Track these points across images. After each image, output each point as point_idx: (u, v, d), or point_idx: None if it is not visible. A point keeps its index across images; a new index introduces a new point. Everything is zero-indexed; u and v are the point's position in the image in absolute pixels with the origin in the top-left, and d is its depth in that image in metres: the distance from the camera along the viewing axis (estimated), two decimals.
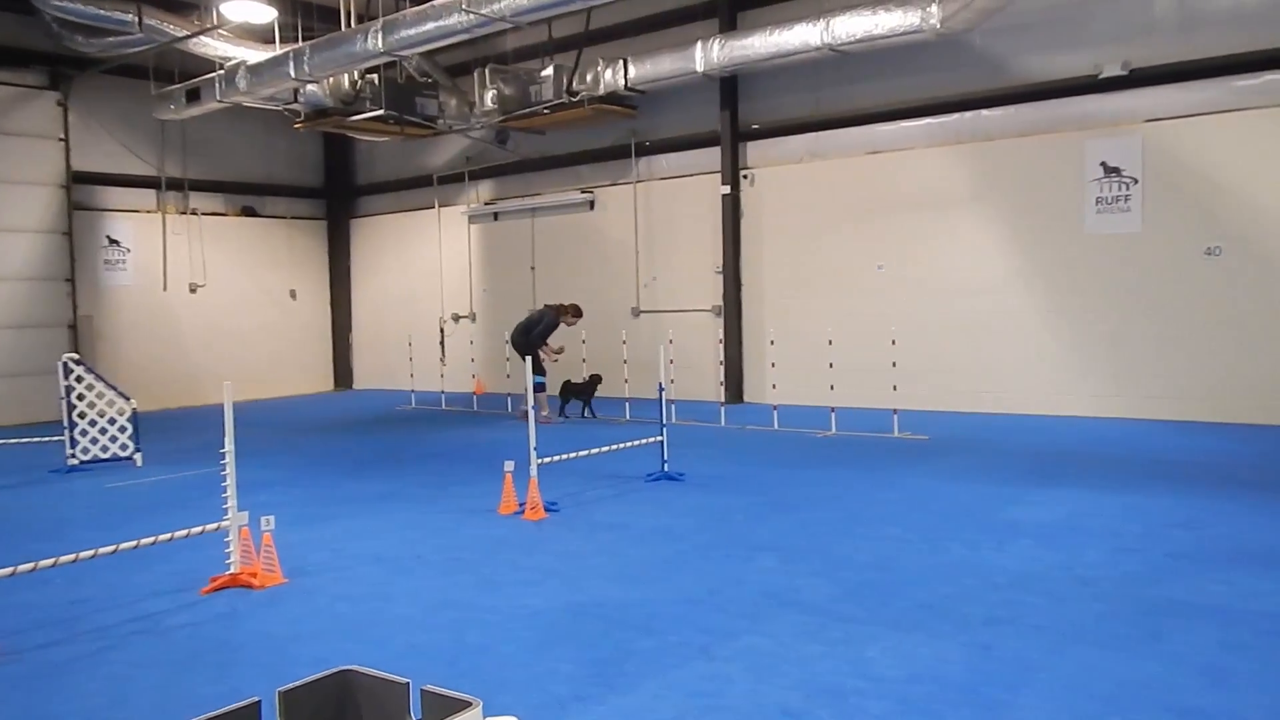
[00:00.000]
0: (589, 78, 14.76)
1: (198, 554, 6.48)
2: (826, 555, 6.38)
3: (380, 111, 15.40)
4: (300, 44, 13.77)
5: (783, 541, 6.80)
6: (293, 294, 20.29)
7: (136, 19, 13.56)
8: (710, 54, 13.63)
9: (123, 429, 10.88)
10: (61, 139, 16.13)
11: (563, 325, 14.18)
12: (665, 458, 9.26)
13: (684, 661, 4.58)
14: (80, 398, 10.66)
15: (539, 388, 12.87)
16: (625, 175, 16.67)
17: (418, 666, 4.54)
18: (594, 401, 14.16)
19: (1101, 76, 12.05)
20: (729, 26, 14.62)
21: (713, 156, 15.41)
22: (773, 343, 13.12)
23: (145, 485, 9.79)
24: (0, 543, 7.35)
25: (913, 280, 13.67)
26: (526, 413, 8.25)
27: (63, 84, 16.17)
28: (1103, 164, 12.14)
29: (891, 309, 13.45)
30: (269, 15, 13.59)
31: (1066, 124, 12.45)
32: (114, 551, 5.73)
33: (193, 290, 18.48)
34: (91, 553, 5.60)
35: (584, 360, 14.26)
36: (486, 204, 18.77)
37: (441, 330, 18.96)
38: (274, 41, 14.49)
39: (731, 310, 15.27)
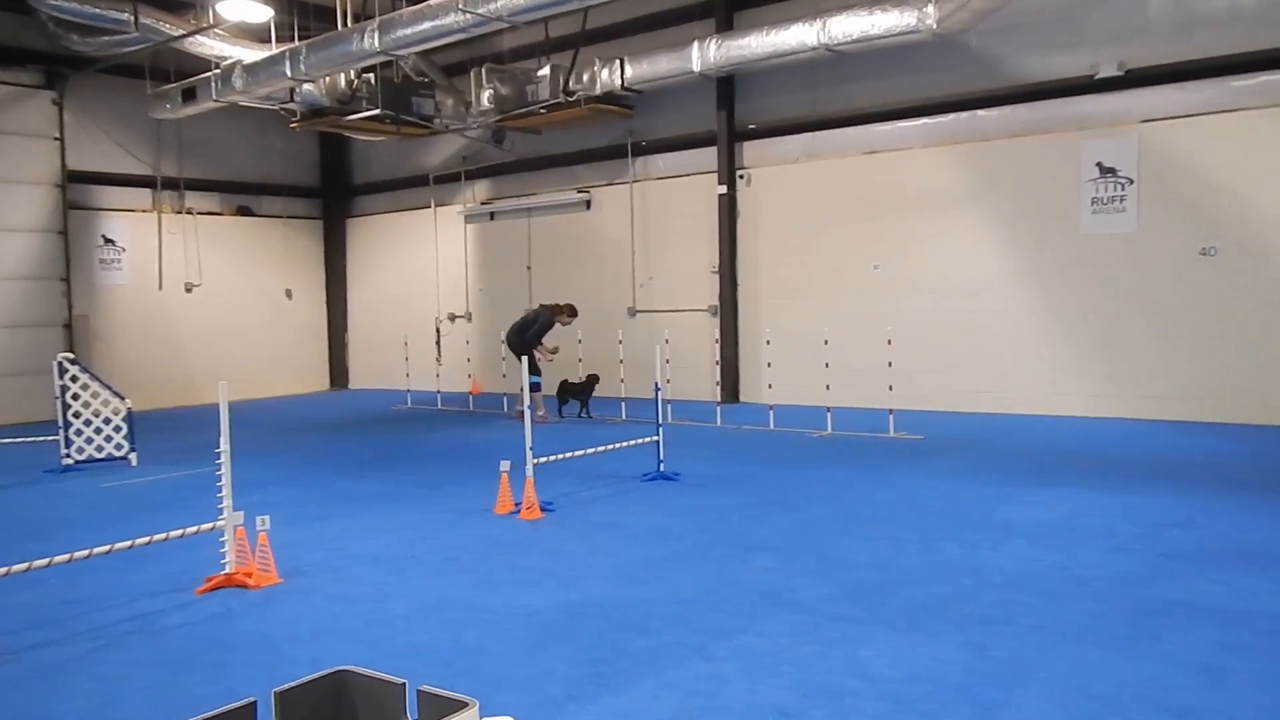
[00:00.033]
0: (585, 77, 14.76)
1: (193, 554, 6.47)
2: (822, 555, 6.38)
3: (376, 111, 15.39)
4: (296, 43, 13.77)
5: (779, 541, 6.80)
6: (288, 294, 20.26)
7: (132, 18, 13.54)
8: (707, 54, 13.64)
9: (118, 429, 10.86)
10: (57, 138, 16.10)
11: (558, 325, 14.18)
12: (661, 457, 9.25)
13: (680, 661, 4.58)
14: (75, 397, 10.64)
15: (534, 388, 12.86)
16: (622, 175, 16.67)
17: (413, 666, 4.54)
18: (591, 401, 14.16)
19: (1097, 77, 12.07)
20: (725, 26, 14.63)
21: (709, 156, 15.41)
22: (769, 343, 13.12)
23: (140, 485, 9.77)
24: None
25: (909, 280, 13.68)
26: (522, 412, 8.25)
27: (58, 83, 16.14)
28: (1098, 164, 12.15)
29: (887, 309, 13.46)
30: (265, 14, 13.58)
31: (1062, 124, 12.47)
32: (109, 551, 5.72)
33: (188, 290, 18.45)
34: (86, 553, 5.59)
35: (580, 360, 14.26)
36: (483, 204, 18.76)
37: (437, 330, 18.95)
38: (270, 41, 14.48)
39: (728, 310, 15.28)
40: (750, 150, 15.27)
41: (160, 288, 18.02)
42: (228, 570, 6.01)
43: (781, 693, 4.18)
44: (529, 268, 18.05)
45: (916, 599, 5.41)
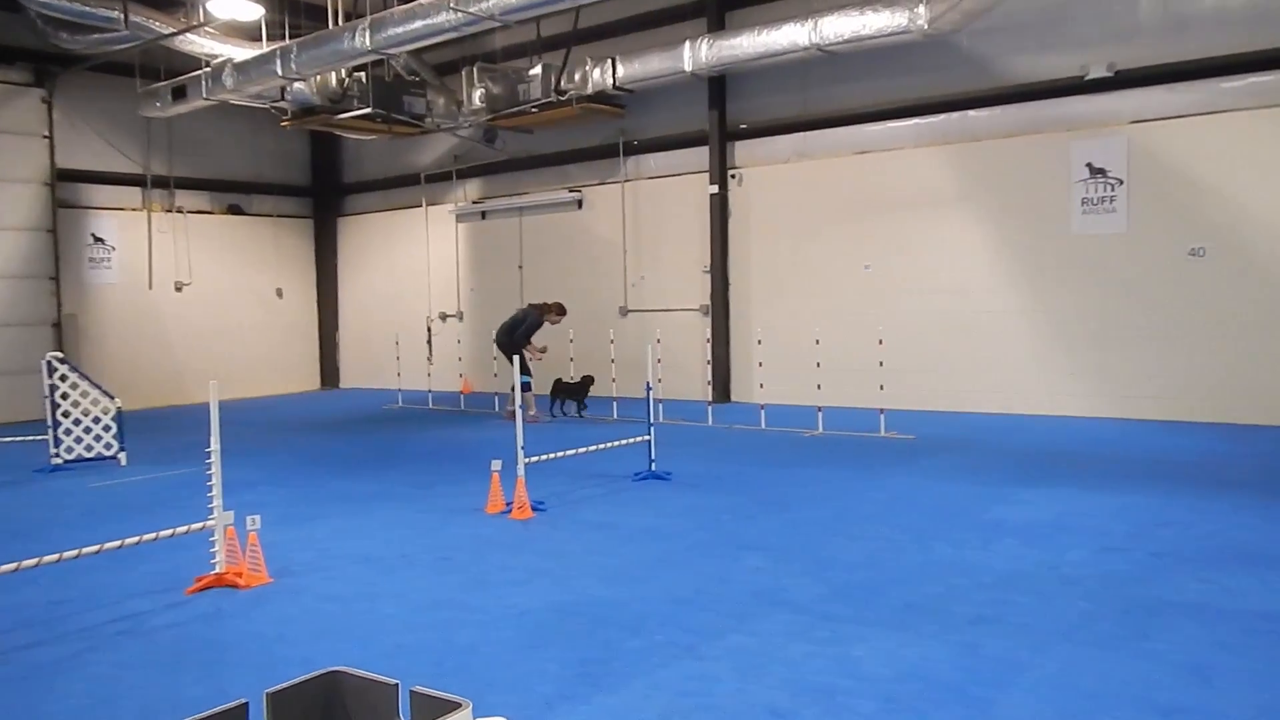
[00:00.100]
0: (577, 77, 14.75)
1: (183, 554, 6.45)
2: (814, 554, 6.40)
3: (368, 110, 15.36)
4: (287, 42, 13.73)
5: (770, 541, 6.81)
6: (279, 293, 20.21)
7: (122, 16, 13.48)
8: (699, 53, 13.65)
9: (107, 428, 10.82)
10: (46, 136, 16.03)
11: (546, 324, 14.17)
12: (653, 457, 9.26)
13: (671, 661, 4.58)
14: (64, 396, 10.59)
15: (525, 387, 12.85)
16: (613, 174, 16.66)
17: (405, 666, 4.54)
18: (585, 401, 14.14)
19: (1087, 78, 12.11)
20: (717, 26, 14.64)
21: (701, 156, 15.41)
22: (760, 342, 13.13)
23: (129, 485, 9.74)
24: None
25: (900, 280, 13.71)
26: (514, 412, 8.25)
27: (48, 81, 16.07)
28: (1088, 165, 12.20)
29: (878, 309, 13.48)
30: (256, 12, 13.53)
31: (1053, 125, 12.51)
32: (98, 551, 5.70)
33: (178, 289, 18.39)
34: (75, 553, 5.57)
35: (571, 360, 14.25)
36: (474, 203, 18.73)
37: (429, 329, 18.92)
38: (261, 39, 14.43)
39: (719, 310, 15.29)
40: (742, 150, 15.28)
41: (150, 286, 17.96)
42: (218, 570, 6.00)
43: (773, 692, 4.19)
44: (521, 267, 18.04)
45: (907, 598, 5.42)
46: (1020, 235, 12.80)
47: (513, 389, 8.49)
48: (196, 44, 14.77)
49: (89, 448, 10.72)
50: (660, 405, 12.29)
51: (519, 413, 8.17)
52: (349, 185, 20.97)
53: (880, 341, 11.63)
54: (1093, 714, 3.90)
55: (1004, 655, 4.54)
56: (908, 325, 13.30)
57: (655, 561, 6.36)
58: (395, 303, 19.85)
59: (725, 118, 15.21)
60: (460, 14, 11.24)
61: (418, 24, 11.81)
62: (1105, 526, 6.92)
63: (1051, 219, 12.52)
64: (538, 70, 14.97)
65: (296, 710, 2.85)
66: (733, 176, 15.30)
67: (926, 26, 11.54)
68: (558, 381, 14.19)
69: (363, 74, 15.24)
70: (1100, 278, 12.21)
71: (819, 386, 11.82)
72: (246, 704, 2.75)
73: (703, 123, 15.31)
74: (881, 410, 11.53)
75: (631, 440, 9.36)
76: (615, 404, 13.72)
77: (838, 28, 12.28)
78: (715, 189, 15.20)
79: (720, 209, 15.22)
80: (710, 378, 15.15)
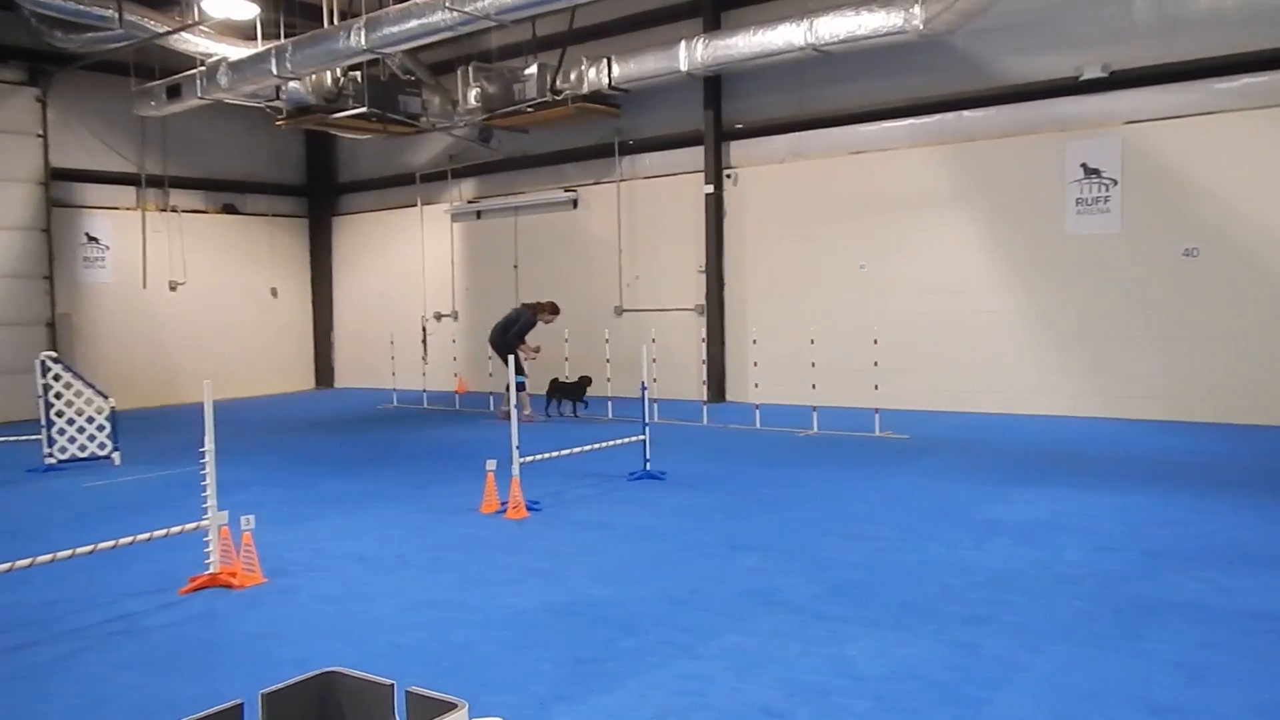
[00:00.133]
0: (573, 76, 14.75)
1: (177, 554, 6.44)
2: (808, 554, 6.40)
3: (363, 109, 15.34)
4: (282, 41, 13.72)
5: (764, 540, 6.82)
6: (274, 292, 20.18)
7: (117, 15, 13.44)
8: (694, 53, 13.65)
9: (101, 428, 10.79)
10: (40, 135, 15.99)
11: (540, 323, 14.15)
12: (648, 457, 9.26)
13: (666, 660, 4.58)
14: (58, 396, 10.57)
15: (520, 387, 12.85)
16: (609, 174, 16.66)
17: (399, 666, 4.53)
18: (579, 402, 14.13)
19: (1082, 78, 12.13)
20: (713, 26, 14.64)
21: (696, 156, 15.42)
22: (755, 342, 13.14)
23: (124, 484, 9.72)
24: None
25: (895, 280, 13.73)
26: (508, 412, 8.24)
27: (42, 80, 16.03)
28: (1083, 165, 12.22)
29: (873, 308, 13.50)
30: (251, 11, 13.53)
31: (1047, 125, 12.53)
32: (92, 551, 5.68)
33: (173, 288, 18.36)
34: (69, 553, 5.56)
35: (566, 359, 14.25)
36: (469, 202, 18.72)
37: (424, 329, 18.90)
38: (256, 38, 14.41)
39: (714, 309, 15.29)
40: (737, 150, 15.29)
41: (144, 286, 17.92)
42: (212, 570, 5.99)
43: (768, 691, 4.19)
44: (516, 267, 18.03)
45: (902, 598, 5.43)
46: (1015, 235, 12.82)
47: (507, 389, 8.49)
48: (191, 43, 14.74)
49: (83, 447, 10.70)
50: (655, 405, 12.29)
51: (514, 412, 8.17)
52: (344, 185, 20.94)
53: (875, 341, 11.64)
54: (1087, 713, 3.91)
55: (999, 655, 4.54)
56: (902, 325, 13.32)
57: (650, 561, 6.36)
58: (390, 302, 19.84)
59: (721, 117, 15.22)
60: (456, 13, 11.23)
61: (413, 23, 11.80)
62: (1100, 526, 6.94)
63: (1046, 219, 12.55)
64: (533, 70, 14.96)
65: (292, 711, 2.84)
66: (728, 176, 15.30)
67: (922, 27, 11.56)
68: (554, 381, 14.18)
69: (358, 73, 15.22)
70: (1094, 278, 12.23)
71: (814, 386, 11.83)
72: (241, 705, 2.75)
73: (698, 122, 15.32)
74: (876, 410, 11.54)
75: (626, 440, 9.36)
76: (610, 403, 13.72)
77: (833, 28, 12.29)
78: (710, 189, 15.21)
79: (715, 209, 15.23)
80: (705, 377, 15.15)
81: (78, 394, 10.69)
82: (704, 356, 15.11)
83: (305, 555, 6.68)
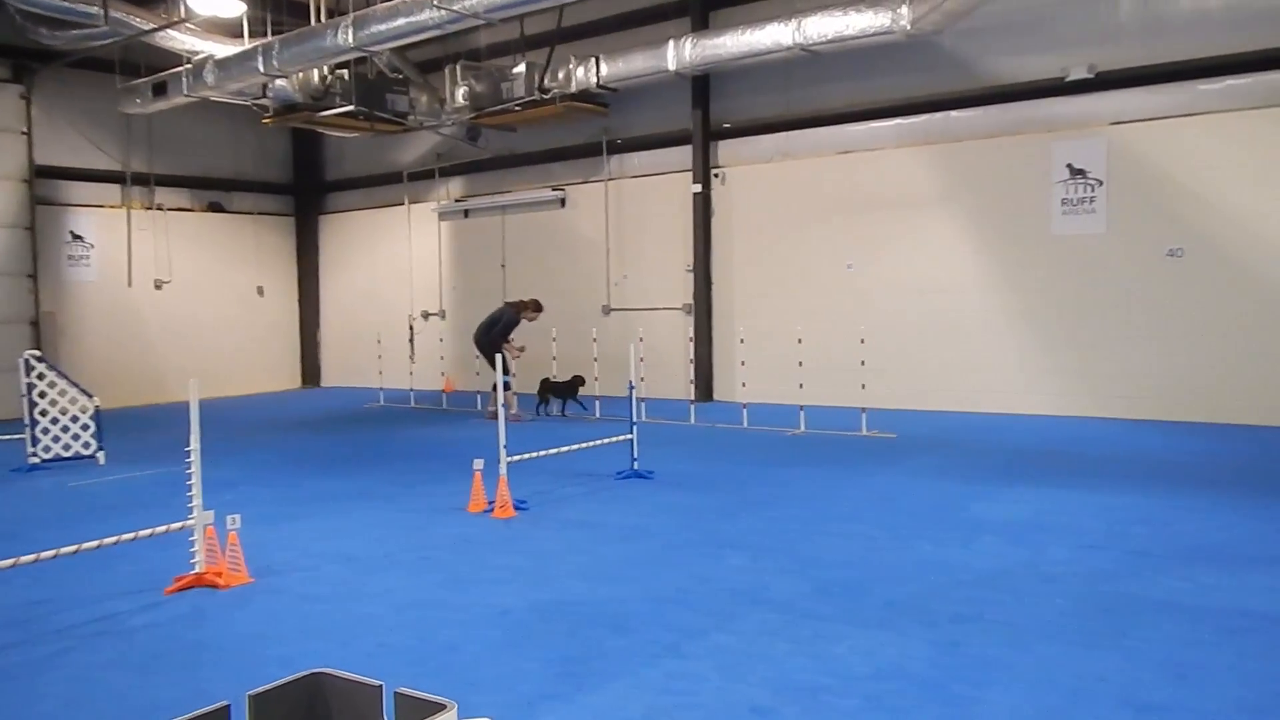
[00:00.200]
0: (561, 75, 14.74)
1: (162, 554, 6.41)
2: (795, 553, 6.42)
3: (350, 107, 15.30)
4: (269, 38, 13.67)
5: (752, 539, 6.83)
6: (260, 291, 20.10)
7: (102, 12, 13.36)
8: (682, 53, 13.65)
9: (85, 427, 10.73)
10: (24, 132, 15.87)
11: (524, 321, 14.13)
12: (635, 456, 9.26)
13: (653, 660, 4.59)
14: (42, 395, 10.50)
15: (506, 386, 12.84)
16: (597, 173, 16.66)
17: (386, 666, 4.53)
18: (570, 402, 14.09)
19: (1068, 79, 12.19)
20: (701, 25, 14.65)
21: (684, 155, 15.43)
22: (743, 341, 13.16)
23: (108, 484, 9.67)
24: None
25: (882, 279, 13.77)
26: (495, 411, 8.23)
27: (26, 77, 15.91)
28: (1069, 165, 12.28)
29: (860, 308, 13.54)
30: (238, 9, 13.46)
31: (1033, 126, 12.59)
32: (75, 551, 5.65)
33: (158, 286, 18.26)
34: (53, 553, 5.52)
35: (554, 359, 14.24)
36: (457, 201, 18.68)
37: (411, 328, 18.86)
38: (243, 36, 14.35)
39: (702, 309, 15.31)
40: (725, 149, 15.31)
41: (129, 284, 17.83)
42: (197, 570, 5.96)
43: (755, 690, 4.20)
44: (503, 266, 18.01)
45: (888, 597, 5.45)
46: (1001, 235, 12.87)
47: (494, 388, 8.48)
48: (177, 40, 14.66)
49: (67, 446, 10.63)
50: (643, 404, 12.30)
51: (501, 411, 8.16)
52: (331, 183, 20.87)
53: (862, 341, 11.67)
54: (1073, 711, 3.93)
55: (985, 653, 4.57)
56: (889, 325, 13.35)
57: (638, 560, 6.37)
58: (377, 301, 19.78)
59: (709, 117, 15.23)
60: (443, 11, 11.21)
61: (401, 21, 11.77)
62: (1084, 525, 6.97)
63: (1032, 219, 12.60)
64: (521, 68, 14.95)
65: (279, 712, 2.83)
66: (716, 176, 15.32)
67: (909, 27, 11.59)
68: (544, 380, 14.15)
69: (345, 71, 15.18)
70: (1080, 278, 12.30)
71: (801, 385, 11.86)
72: (228, 706, 2.74)
73: (686, 122, 15.32)
74: (863, 409, 11.57)
75: (614, 439, 9.36)
76: (598, 403, 13.72)
77: (821, 28, 12.32)
78: (698, 188, 15.22)
79: (703, 208, 15.24)
80: (693, 376, 15.17)
81: (62, 393, 10.63)
82: (691, 356, 15.13)
83: (291, 555, 6.66)
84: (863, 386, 11.53)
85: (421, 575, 6.14)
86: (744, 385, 12.74)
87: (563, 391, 14.00)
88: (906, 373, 13.33)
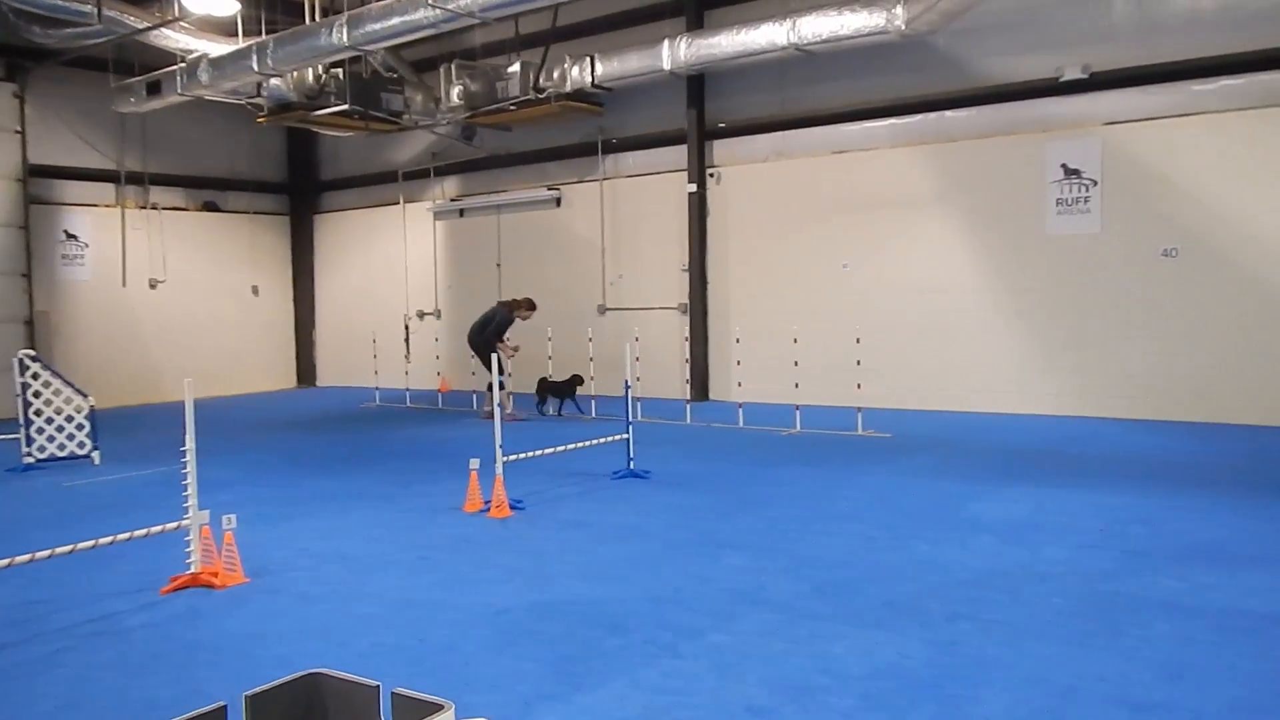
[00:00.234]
0: (556, 74, 14.73)
1: (158, 554, 6.40)
2: (791, 553, 6.42)
3: (345, 106, 15.26)
4: (264, 37, 13.64)
5: (748, 539, 6.84)
6: (255, 290, 20.07)
7: (96, 10, 13.30)
8: (677, 52, 13.65)
9: (80, 426, 10.71)
10: (18, 131, 15.84)
11: (517, 320, 14.11)
12: (631, 455, 9.26)
13: (650, 659, 4.59)
14: (36, 395, 10.48)
15: (501, 385, 12.83)
16: (592, 172, 16.65)
17: (383, 666, 4.53)
18: (568, 401, 14.06)
19: (1062, 79, 12.21)
20: (696, 25, 14.64)
21: (679, 155, 15.43)
22: (738, 341, 13.17)
23: (103, 484, 9.65)
24: None
25: (877, 279, 13.78)
26: (491, 411, 8.23)
27: (19, 75, 15.88)
28: (1063, 165, 12.30)
29: (856, 308, 13.55)
30: (232, 8, 13.44)
31: (1028, 126, 12.61)
32: (71, 551, 5.64)
33: (153, 286, 18.22)
34: (48, 553, 5.51)
35: (550, 358, 14.23)
36: (452, 200, 18.67)
37: (406, 327, 18.84)
38: (237, 34, 14.32)
39: (697, 308, 15.31)
40: (720, 149, 15.31)
41: (124, 284, 17.79)
42: (193, 570, 5.95)
43: (751, 690, 4.21)
44: (498, 265, 18.00)
45: (885, 596, 5.46)
46: (996, 235, 12.89)
47: (489, 387, 8.47)
48: (171, 39, 14.62)
49: (62, 446, 10.61)
50: (638, 404, 12.30)
51: (497, 411, 8.16)
52: (326, 182, 20.84)
53: (858, 340, 11.68)
54: (1067, 710, 3.94)
55: (980, 652, 4.58)
56: (885, 324, 13.37)
57: (634, 560, 6.37)
58: (372, 300, 19.76)
59: (704, 116, 15.23)
60: (438, 11, 11.20)
61: (395, 20, 11.75)
62: (1080, 524, 6.99)
63: (1027, 219, 12.62)
64: (516, 68, 14.94)
65: (276, 713, 2.83)
66: (711, 175, 15.32)
67: (904, 27, 11.60)
68: (542, 380, 14.12)
69: (340, 70, 15.14)
70: (1075, 278, 12.32)
71: (797, 385, 11.87)
72: (225, 707, 2.74)
73: (681, 121, 15.32)
74: (859, 409, 11.58)
75: (610, 439, 9.36)
76: (594, 402, 13.72)
77: (816, 27, 12.33)
78: (694, 188, 15.22)
79: (699, 208, 15.24)
80: (688, 376, 15.17)
81: (56, 392, 10.60)
82: (687, 355, 15.12)
83: (287, 555, 6.66)
84: (858, 386, 11.54)
85: (418, 575, 6.14)
86: (740, 385, 12.75)
87: (561, 391, 13.98)
88: (902, 372, 13.34)
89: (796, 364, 11.84)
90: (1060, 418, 12.30)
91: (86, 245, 17.41)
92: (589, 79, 14.48)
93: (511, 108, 15.18)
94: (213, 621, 5.33)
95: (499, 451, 7.92)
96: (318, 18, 13.03)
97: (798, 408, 11.96)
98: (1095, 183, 12.11)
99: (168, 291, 18.37)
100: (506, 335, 14.07)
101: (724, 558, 6.36)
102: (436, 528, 7.41)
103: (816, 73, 13.94)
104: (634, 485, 8.86)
